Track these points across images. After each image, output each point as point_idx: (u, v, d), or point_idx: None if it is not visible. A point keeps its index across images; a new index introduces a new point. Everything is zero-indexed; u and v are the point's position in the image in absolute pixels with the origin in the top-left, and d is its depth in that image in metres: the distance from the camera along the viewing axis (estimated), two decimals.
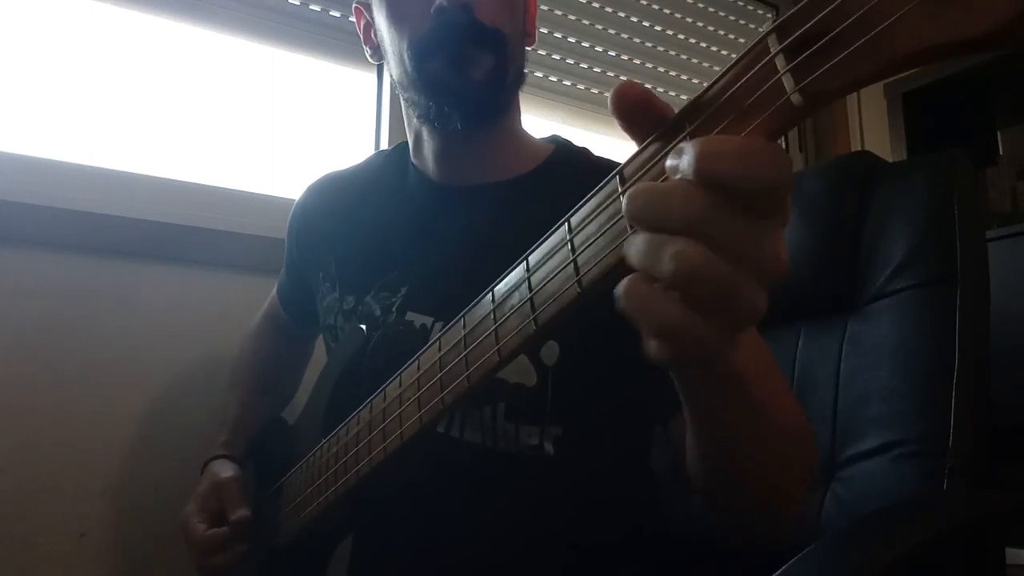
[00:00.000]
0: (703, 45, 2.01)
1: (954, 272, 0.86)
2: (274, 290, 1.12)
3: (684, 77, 1.95)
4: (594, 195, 0.45)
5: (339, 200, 0.98)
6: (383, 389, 0.67)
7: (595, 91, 1.81)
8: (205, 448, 1.00)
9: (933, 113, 1.97)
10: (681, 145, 0.35)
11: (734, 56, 0.39)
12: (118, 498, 1.12)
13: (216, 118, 1.41)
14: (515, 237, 0.53)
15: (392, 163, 0.95)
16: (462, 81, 0.78)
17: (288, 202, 1.30)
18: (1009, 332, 1.41)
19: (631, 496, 0.84)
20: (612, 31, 1.86)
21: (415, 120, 0.87)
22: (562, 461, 0.76)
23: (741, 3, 2.11)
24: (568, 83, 1.77)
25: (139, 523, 1.12)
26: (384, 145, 1.51)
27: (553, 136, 0.93)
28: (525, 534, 0.77)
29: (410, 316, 0.82)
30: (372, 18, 0.88)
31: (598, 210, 0.44)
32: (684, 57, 1.97)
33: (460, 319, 0.56)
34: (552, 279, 0.47)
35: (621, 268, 0.40)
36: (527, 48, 0.89)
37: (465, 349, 0.55)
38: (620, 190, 0.42)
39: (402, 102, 0.87)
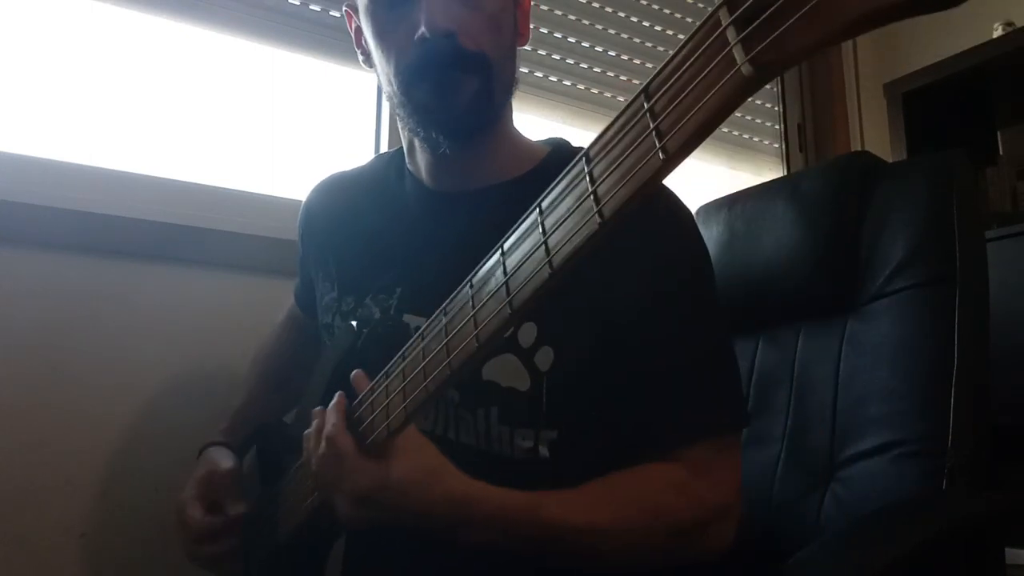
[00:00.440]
0: None
1: (954, 272, 0.86)
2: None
3: None
4: (563, 177, 0.47)
5: (341, 201, 0.98)
6: (371, 383, 0.69)
7: (595, 91, 1.81)
8: (206, 435, 1.00)
9: (933, 113, 1.97)
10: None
11: None
12: (118, 498, 1.12)
13: (216, 118, 1.41)
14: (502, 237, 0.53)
15: (392, 167, 0.96)
16: (447, 108, 0.79)
17: (288, 202, 1.31)
18: (1009, 332, 1.41)
19: None
20: (612, 31, 1.86)
21: (406, 131, 0.87)
22: (557, 464, 0.76)
23: None
24: (568, 83, 1.77)
25: (139, 523, 1.12)
26: (384, 145, 1.51)
27: (551, 138, 0.92)
28: None
29: (407, 319, 0.83)
30: (361, 24, 0.88)
31: (566, 191, 0.46)
32: None
33: (442, 309, 0.58)
34: (525, 262, 0.49)
35: (589, 247, 0.44)
36: (519, 47, 0.88)
37: (446, 337, 0.57)
38: (586, 170, 0.44)
39: (393, 110, 0.88)
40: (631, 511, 0.69)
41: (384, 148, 1.50)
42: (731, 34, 0.35)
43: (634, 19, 1.91)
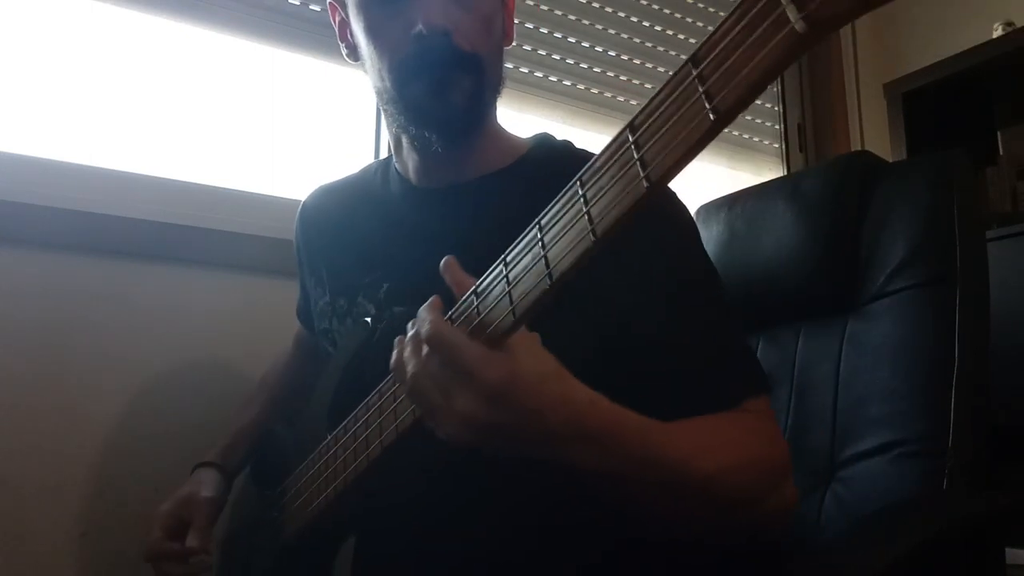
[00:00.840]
0: None
1: (954, 272, 0.86)
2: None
3: None
4: (605, 150, 0.48)
5: (332, 209, 1.00)
6: (391, 376, 0.68)
7: (595, 91, 1.81)
8: (205, 450, 1.00)
9: (933, 113, 1.97)
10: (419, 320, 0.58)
11: None
12: (118, 498, 1.12)
13: (216, 118, 1.41)
14: (491, 230, 0.55)
15: (379, 173, 0.98)
16: (443, 108, 0.79)
17: (288, 202, 1.31)
18: (1009, 332, 1.41)
19: None
20: (612, 31, 1.86)
21: (395, 128, 0.87)
22: None
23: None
24: (568, 83, 1.77)
25: (139, 523, 1.11)
26: (384, 145, 1.52)
27: (535, 135, 0.93)
28: (522, 529, 0.77)
29: (396, 311, 0.84)
30: (347, 16, 0.88)
31: (610, 161, 0.47)
32: (684, 57, 1.97)
33: (449, 313, 0.60)
34: (569, 230, 0.50)
35: (633, 212, 0.46)
36: (506, 47, 0.89)
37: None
38: (631, 139, 0.46)
39: (381, 107, 0.88)
40: (728, 451, 0.65)
41: (384, 148, 1.50)
42: None
43: (634, 19, 1.91)
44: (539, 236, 0.52)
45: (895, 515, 0.77)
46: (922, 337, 0.86)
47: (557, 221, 0.51)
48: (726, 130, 0.46)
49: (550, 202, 0.53)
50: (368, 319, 0.85)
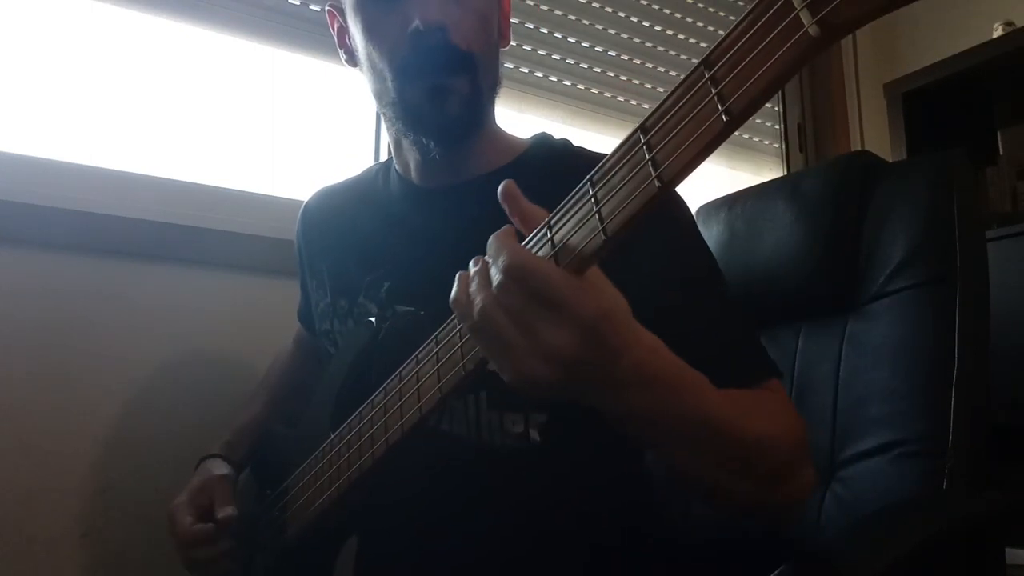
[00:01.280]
0: (703, 45, 2.01)
1: (954, 272, 0.86)
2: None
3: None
4: (617, 149, 0.49)
5: (333, 211, 1.00)
6: (398, 372, 0.69)
7: (595, 91, 1.81)
8: (206, 449, 1.00)
9: (933, 113, 1.97)
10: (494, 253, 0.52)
11: None
12: (118, 498, 1.12)
13: (216, 118, 1.41)
14: (492, 230, 0.54)
15: (380, 174, 0.98)
16: (440, 114, 0.79)
17: (288, 202, 1.31)
18: (1009, 332, 1.41)
19: (625, 494, 0.84)
20: (612, 31, 1.86)
21: (394, 130, 0.87)
22: (550, 449, 0.76)
23: (741, 3, 2.11)
24: (568, 83, 1.77)
25: (139, 523, 1.12)
26: (383, 145, 1.52)
27: (535, 134, 0.93)
28: (523, 528, 0.77)
29: (400, 309, 0.84)
30: (346, 23, 0.88)
31: (622, 160, 0.48)
32: (684, 57, 1.97)
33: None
34: (578, 229, 0.51)
35: (646, 212, 0.47)
36: (503, 48, 0.89)
37: None
38: (643, 140, 0.46)
39: (380, 110, 0.88)
40: (768, 420, 0.65)
41: (384, 148, 1.50)
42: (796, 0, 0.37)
43: (634, 19, 1.91)
44: (548, 235, 0.52)
45: (895, 515, 0.77)
46: (922, 337, 0.86)
47: (567, 220, 0.51)
48: None
49: (550, 200, 0.53)
50: (372, 319, 0.85)
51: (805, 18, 0.37)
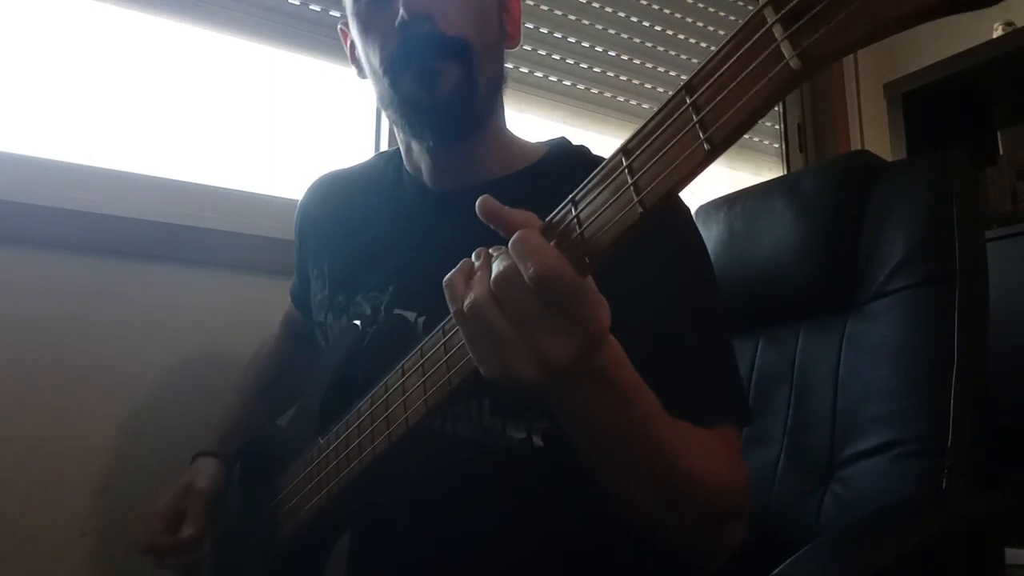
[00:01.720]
0: (703, 45, 2.01)
1: (953, 271, 0.86)
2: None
3: (684, 77, 1.93)
4: (599, 172, 0.49)
5: (338, 200, 0.98)
6: (384, 381, 0.68)
7: (595, 91, 1.81)
8: (202, 442, 1.00)
9: (933, 113, 1.97)
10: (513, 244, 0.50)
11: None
12: (118, 498, 1.12)
13: (216, 118, 1.41)
14: (500, 235, 0.53)
15: (391, 165, 0.96)
16: (430, 96, 0.78)
17: (288, 202, 1.31)
18: (1009, 332, 1.41)
19: None
20: (612, 31, 1.86)
21: (402, 135, 0.87)
22: (553, 454, 0.76)
23: (741, 3, 2.11)
24: (568, 83, 1.77)
25: (139, 523, 1.11)
26: (384, 145, 1.51)
27: (551, 139, 0.92)
28: (521, 530, 0.77)
29: (397, 312, 0.83)
30: (350, 28, 0.88)
31: (603, 183, 0.48)
32: (684, 57, 1.97)
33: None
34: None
35: (628, 237, 0.47)
36: (510, 49, 0.88)
37: None
38: (625, 163, 0.46)
39: (387, 115, 0.88)
40: (709, 464, 0.65)
41: (384, 148, 1.50)
42: (778, 31, 0.37)
43: (634, 19, 1.91)
44: (573, 212, 0.51)
45: (894, 515, 0.77)
46: (922, 337, 0.86)
47: (595, 196, 0.49)
48: None
49: None
50: (357, 322, 0.84)
51: (786, 50, 0.36)
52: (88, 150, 1.26)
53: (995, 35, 1.88)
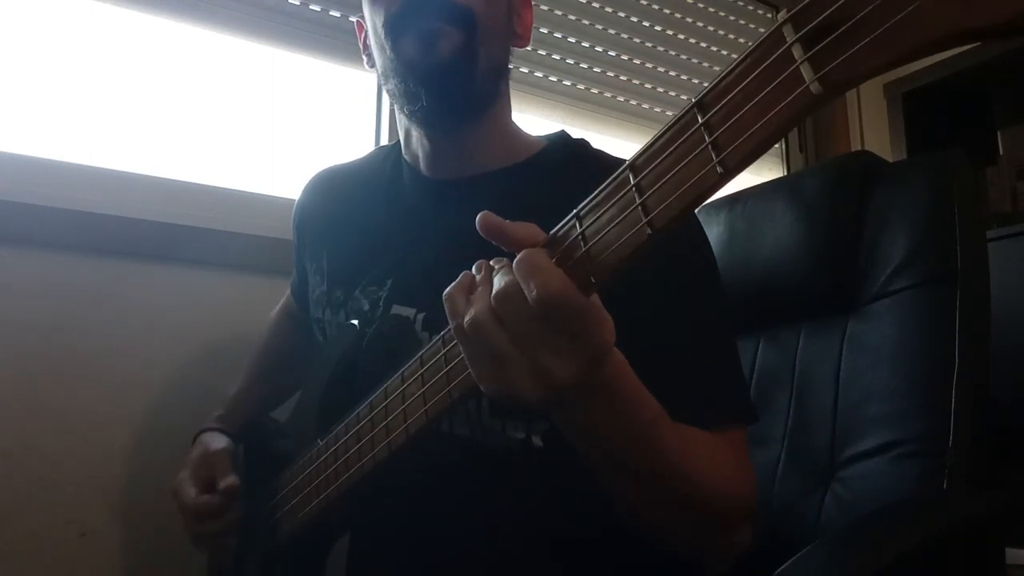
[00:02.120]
0: (703, 45, 2.01)
1: (954, 272, 0.86)
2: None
3: (684, 77, 1.95)
4: (606, 187, 0.46)
5: (337, 195, 0.98)
6: (384, 387, 0.68)
7: (595, 91, 1.81)
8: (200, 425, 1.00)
9: (933, 113, 1.97)
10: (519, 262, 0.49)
11: (735, 56, 0.39)
12: (118, 498, 1.12)
13: (216, 118, 1.41)
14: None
15: (389, 160, 0.96)
16: (428, 56, 0.77)
17: (287, 202, 1.30)
18: (1009, 332, 1.41)
19: None
20: (612, 31, 1.86)
21: (402, 116, 0.87)
22: (552, 454, 0.76)
23: (741, 3, 2.11)
24: (568, 83, 1.77)
25: (139, 523, 1.12)
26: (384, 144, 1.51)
27: (551, 133, 0.92)
28: (521, 530, 0.77)
29: (395, 309, 0.82)
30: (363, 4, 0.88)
31: (611, 200, 0.46)
32: (684, 57, 1.97)
33: None
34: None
35: (635, 258, 0.45)
36: (517, 47, 0.88)
37: None
38: (633, 181, 0.44)
39: (387, 91, 0.87)
40: (713, 468, 0.65)
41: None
42: (798, 51, 0.34)
43: (634, 19, 1.91)
44: (578, 228, 0.50)
45: (895, 515, 0.77)
46: (922, 337, 0.86)
47: (602, 213, 0.47)
48: None
49: (564, 202, 0.51)
50: (355, 322, 0.84)
51: (806, 72, 0.34)
52: (88, 150, 1.26)
53: None
